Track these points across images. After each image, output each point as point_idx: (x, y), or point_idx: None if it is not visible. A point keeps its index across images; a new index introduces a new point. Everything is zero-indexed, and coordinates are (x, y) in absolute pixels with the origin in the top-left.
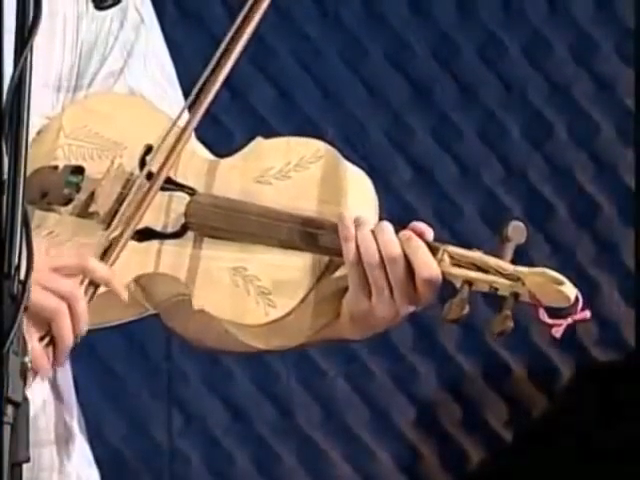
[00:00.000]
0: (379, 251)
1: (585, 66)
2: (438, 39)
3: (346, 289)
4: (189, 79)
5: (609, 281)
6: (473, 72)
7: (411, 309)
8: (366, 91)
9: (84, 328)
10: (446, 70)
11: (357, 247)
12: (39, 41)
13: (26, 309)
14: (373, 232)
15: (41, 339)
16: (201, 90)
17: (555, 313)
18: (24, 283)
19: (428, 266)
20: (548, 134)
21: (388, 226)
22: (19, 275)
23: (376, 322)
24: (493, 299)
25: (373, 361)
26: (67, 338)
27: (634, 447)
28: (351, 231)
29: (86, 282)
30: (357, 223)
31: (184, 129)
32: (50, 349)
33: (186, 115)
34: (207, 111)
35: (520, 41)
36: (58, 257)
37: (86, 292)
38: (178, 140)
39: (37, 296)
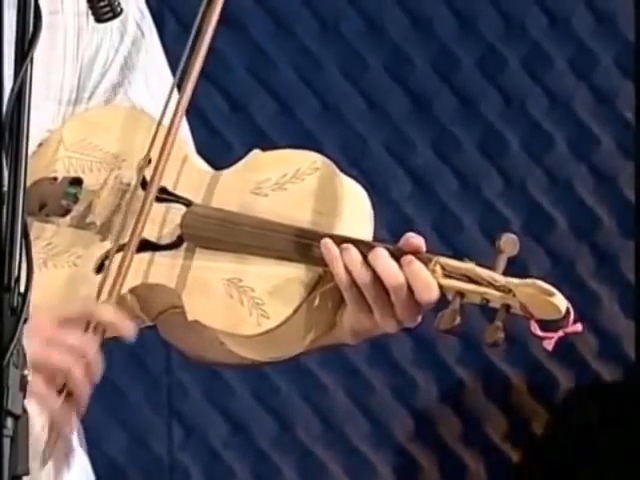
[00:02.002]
0: (378, 279)
1: (585, 79)
2: (438, 52)
3: (341, 299)
4: None
5: (609, 294)
6: (473, 85)
7: (416, 321)
8: (366, 104)
9: (98, 376)
10: (446, 83)
11: (348, 271)
12: (39, 54)
13: (39, 369)
14: (367, 259)
15: (58, 393)
16: (179, 90)
17: (548, 326)
18: (24, 295)
19: (428, 287)
20: (548, 147)
21: (383, 252)
22: (19, 287)
23: (378, 333)
24: (493, 312)
25: (373, 374)
26: (84, 390)
27: (635, 460)
28: (333, 253)
29: (92, 326)
30: (343, 250)
31: (169, 131)
32: (69, 403)
33: (186, 126)
34: (187, 110)
35: (520, 54)
36: (61, 308)
37: (94, 337)
38: (164, 144)
39: (48, 354)
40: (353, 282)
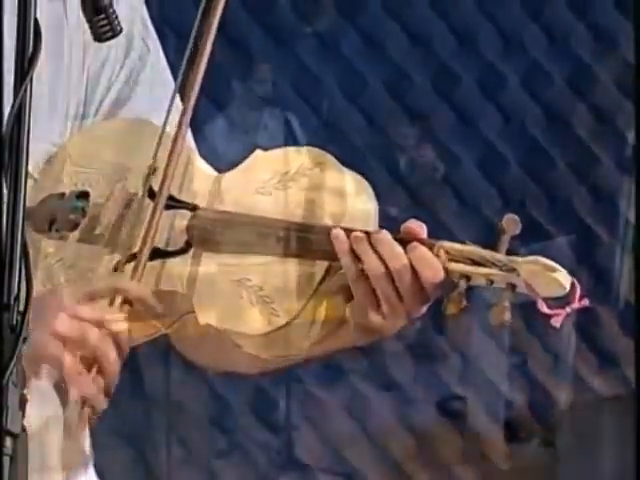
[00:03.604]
0: (384, 264)
1: (584, 98)
2: (438, 70)
3: (348, 294)
4: None
5: (609, 313)
6: (472, 103)
7: (423, 310)
8: (365, 121)
9: (127, 351)
10: (445, 101)
11: (357, 261)
12: (46, 69)
13: (72, 345)
14: (372, 245)
15: (88, 370)
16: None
17: (556, 305)
18: (23, 314)
19: (433, 268)
20: (547, 165)
21: (387, 236)
22: (18, 306)
23: (387, 329)
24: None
25: (373, 393)
26: (115, 368)
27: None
28: (344, 244)
29: (119, 302)
30: (354, 237)
31: (175, 139)
32: (100, 380)
33: (189, 136)
34: (191, 121)
35: (519, 72)
36: (88, 284)
37: (121, 312)
38: (171, 153)
39: (83, 331)
40: (362, 272)
